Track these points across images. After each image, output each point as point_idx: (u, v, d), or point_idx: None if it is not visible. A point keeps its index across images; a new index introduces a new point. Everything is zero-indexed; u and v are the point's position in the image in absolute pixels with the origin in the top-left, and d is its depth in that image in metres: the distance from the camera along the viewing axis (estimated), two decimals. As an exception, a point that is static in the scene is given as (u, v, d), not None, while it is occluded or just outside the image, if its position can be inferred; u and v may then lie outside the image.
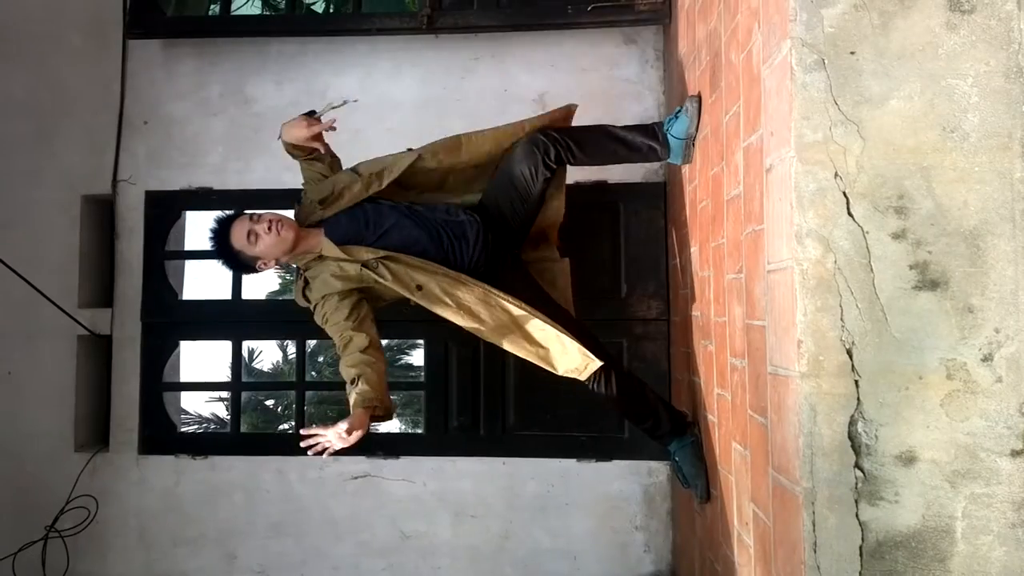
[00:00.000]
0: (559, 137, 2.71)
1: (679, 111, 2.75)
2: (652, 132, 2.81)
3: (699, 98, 2.67)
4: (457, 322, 2.61)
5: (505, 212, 2.82)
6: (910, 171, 1.48)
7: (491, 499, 3.78)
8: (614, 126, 2.85)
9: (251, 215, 2.64)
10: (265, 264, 2.70)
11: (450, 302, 2.58)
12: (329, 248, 2.63)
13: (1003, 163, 1.46)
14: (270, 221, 2.59)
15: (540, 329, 2.56)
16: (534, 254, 3.02)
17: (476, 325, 2.59)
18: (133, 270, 3.96)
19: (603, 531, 3.72)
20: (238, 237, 2.63)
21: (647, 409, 2.77)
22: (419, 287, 2.58)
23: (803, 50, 1.53)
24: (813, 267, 1.49)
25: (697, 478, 2.68)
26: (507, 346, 2.61)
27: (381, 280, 2.58)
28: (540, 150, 2.68)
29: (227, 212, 2.75)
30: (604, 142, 2.81)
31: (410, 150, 2.81)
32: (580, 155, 2.76)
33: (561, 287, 3.00)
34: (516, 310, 2.55)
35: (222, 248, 2.68)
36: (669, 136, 2.76)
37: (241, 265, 2.74)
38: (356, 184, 2.73)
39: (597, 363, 2.55)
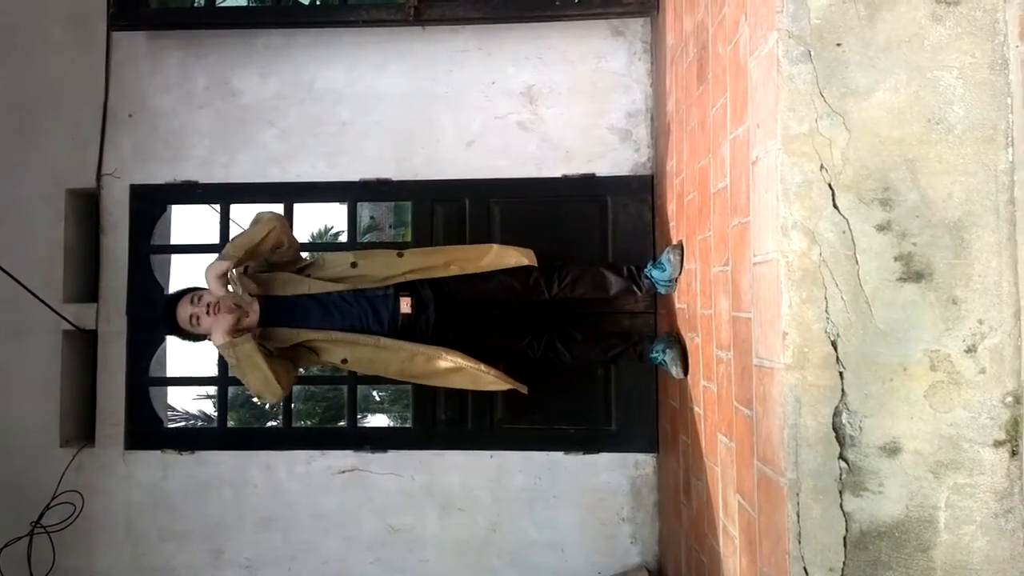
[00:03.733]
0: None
1: (661, 260, 2.97)
2: (634, 278, 3.09)
3: (681, 247, 2.84)
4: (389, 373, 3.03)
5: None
6: (895, 163, 1.49)
7: (479, 492, 3.78)
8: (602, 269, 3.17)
9: (191, 297, 2.83)
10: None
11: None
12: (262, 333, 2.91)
13: (988, 155, 1.47)
14: (208, 305, 2.77)
15: (454, 366, 2.94)
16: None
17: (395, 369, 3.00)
18: (118, 264, 3.93)
19: (590, 523, 3.73)
20: (182, 319, 2.84)
21: (608, 341, 3.21)
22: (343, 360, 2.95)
23: (789, 42, 1.53)
24: (799, 259, 1.49)
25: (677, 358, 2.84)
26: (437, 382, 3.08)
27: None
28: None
29: (173, 293, 2.96)
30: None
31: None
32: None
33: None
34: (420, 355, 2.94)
35: (172, 328, 2.91)
36: (653, 282, 3.03)
37: (196, 338, 2.94)
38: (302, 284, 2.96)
39: (506, 386, 3.02)
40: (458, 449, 3.80)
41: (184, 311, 2.82)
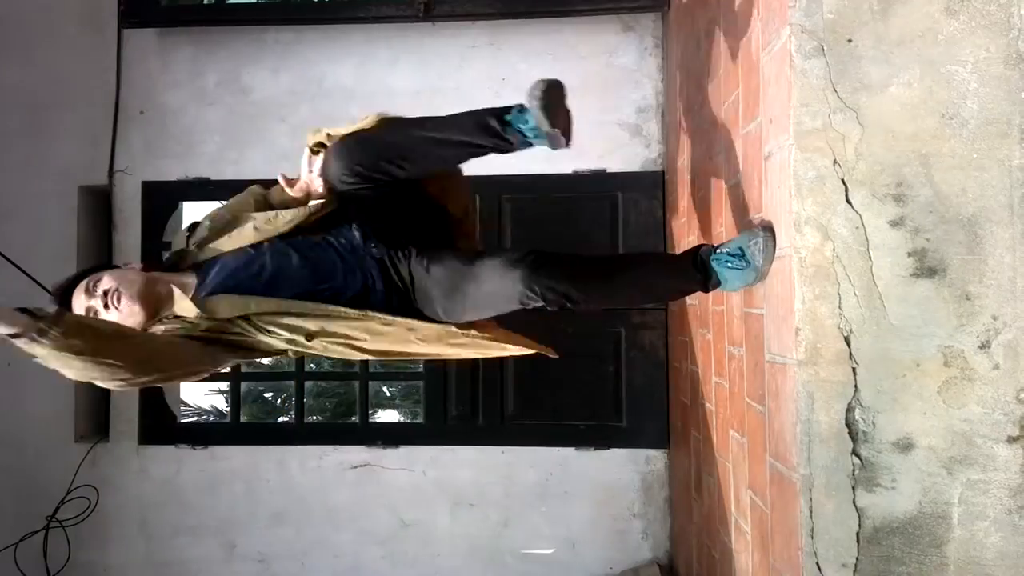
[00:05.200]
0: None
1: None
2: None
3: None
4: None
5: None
6: (909, 158, 1.48)
7: (490, 487, 3.79)
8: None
9: (87, 283, 1.96)
10: None
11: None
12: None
13: (1002, 150, 1.46)
14: (105, 293, 1.93)
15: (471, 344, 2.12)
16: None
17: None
18: (131, 261, 3.95)
19: (601, 519, 3.73)
20: (75, 303, 1.97)
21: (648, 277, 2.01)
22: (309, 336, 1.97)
23: (802, 36, 1.52)
24: (811, 255, 1.49)
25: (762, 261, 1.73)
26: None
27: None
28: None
29: (66, 278, 2.04)
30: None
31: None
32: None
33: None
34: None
35: None
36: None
37: None
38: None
39: (531, 350, 2.24)
40: (469, 444, 3.81)
41: (79, 304, 1.96)
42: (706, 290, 1.90)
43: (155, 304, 1.97)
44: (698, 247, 1.91)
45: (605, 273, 1.97)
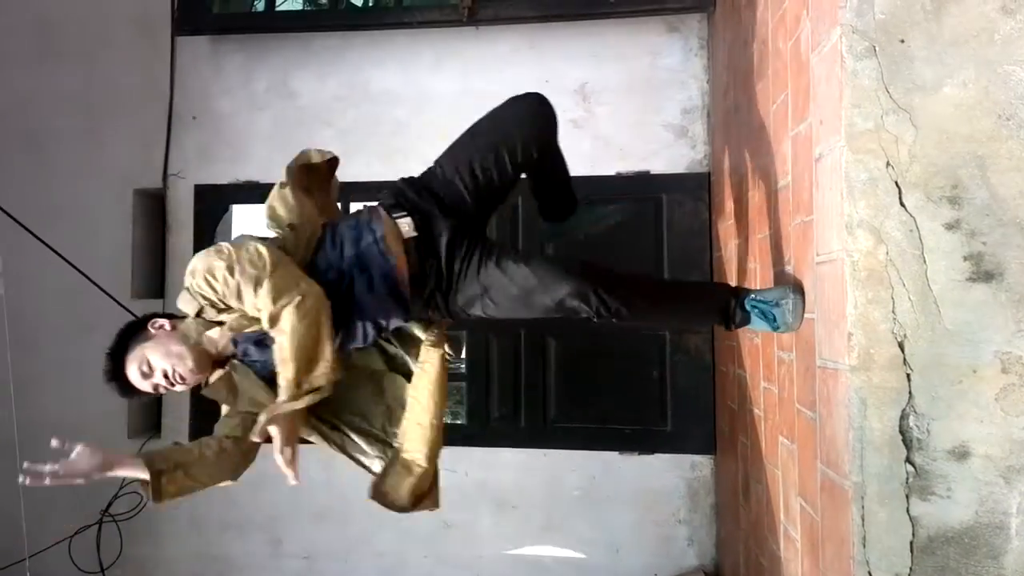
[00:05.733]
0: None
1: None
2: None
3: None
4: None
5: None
6: (964, 160, 1.45)
7: (532, 490, 3.80)
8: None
9: (140, 367, 1.96)
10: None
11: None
12: None
13: (1063, 151, 1.42)
14: (165, 375, 1.95)
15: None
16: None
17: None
18: (184, 262, 3.98)
19: (645, 524, 3.71)
20: (139, 385, 2.00)
21: (678, 299, 2.16)
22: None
23: (853, 37, 1.50)
24: (864, 258, 1.47)
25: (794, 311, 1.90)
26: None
27: None
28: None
29: (107, 360, 2.03)
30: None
31: None
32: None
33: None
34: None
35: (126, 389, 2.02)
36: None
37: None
38: None
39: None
40: (512, 447, 3.82)
41: (138, 381, 1.98)
42: (730, 330, 2.11)
43: (208, 366, 2.01)
44: (736, 293, 2.06)
45: (654, 300, 2.08)
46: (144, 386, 1.98)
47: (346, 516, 3.92)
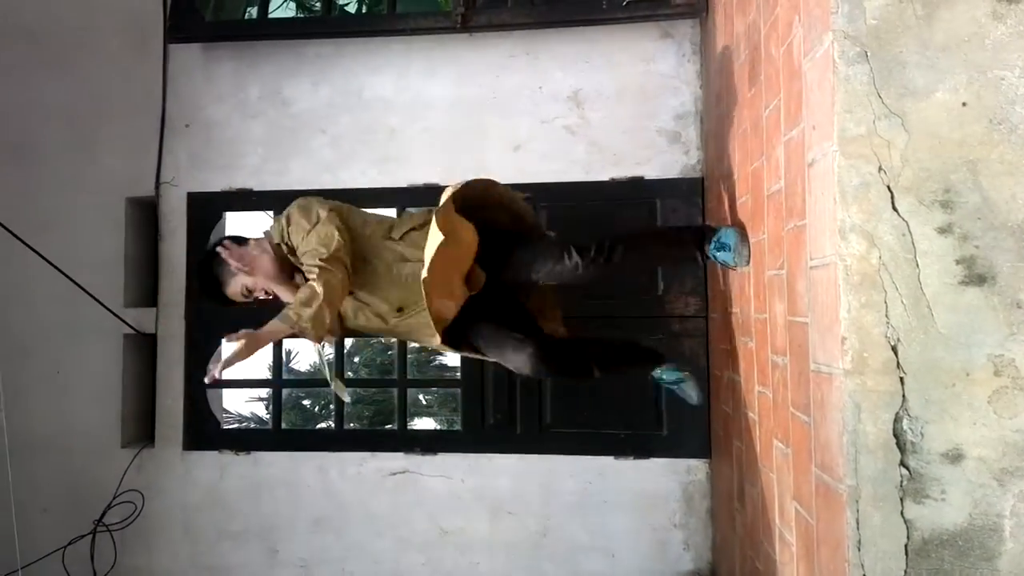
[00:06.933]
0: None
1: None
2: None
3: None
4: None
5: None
6: (956, 164, 1.46)
7: (528, 496, 3.79)
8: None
9: (241, 289, 2.51)
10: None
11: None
12: None
13: (1053, 155, 1.43)
14: (265, 292, 2.52)
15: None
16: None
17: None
18: (176, 270, 4.04)
19: (642, 529, 3.71)
20: (232, 289, 2.51)
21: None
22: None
23: (845, 43, 1.51)
24: (857, 263, 1.47)
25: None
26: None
27: None
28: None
29: (198, 284, 2.67)
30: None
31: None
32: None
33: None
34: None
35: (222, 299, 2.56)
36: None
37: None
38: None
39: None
40: (507, 453, 3.82)
41: (233, 281, 2.50)
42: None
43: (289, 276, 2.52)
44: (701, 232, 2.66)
45: (630, 244, 2.65)
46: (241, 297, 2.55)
47: (342, 524, 3.91)
